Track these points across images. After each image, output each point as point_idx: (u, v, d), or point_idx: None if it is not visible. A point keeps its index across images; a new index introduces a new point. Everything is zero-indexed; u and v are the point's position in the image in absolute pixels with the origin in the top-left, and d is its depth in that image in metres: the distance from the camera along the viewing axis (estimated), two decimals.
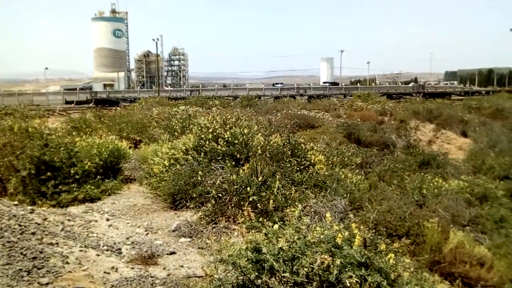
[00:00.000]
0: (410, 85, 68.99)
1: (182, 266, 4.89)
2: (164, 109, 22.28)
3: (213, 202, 6.77)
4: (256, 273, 3.49)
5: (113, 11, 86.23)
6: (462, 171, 14.51)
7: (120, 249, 5.27)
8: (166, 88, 72.73)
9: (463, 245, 5.47)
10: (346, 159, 11.86)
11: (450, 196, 9.07)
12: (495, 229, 8.58)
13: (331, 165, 10.24)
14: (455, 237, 5.47)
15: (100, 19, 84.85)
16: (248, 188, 6.71)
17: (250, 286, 3.53)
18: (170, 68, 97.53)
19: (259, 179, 7.16)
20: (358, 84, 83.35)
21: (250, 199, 6.55)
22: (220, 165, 8.07)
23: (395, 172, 12.40)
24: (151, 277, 4.39)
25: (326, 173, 8.88)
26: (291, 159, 8.94)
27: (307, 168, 8.95)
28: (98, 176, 9.04)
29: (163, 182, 8.10)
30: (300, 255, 3.46)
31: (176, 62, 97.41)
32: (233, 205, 6.71)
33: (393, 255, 3.46)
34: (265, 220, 5.35)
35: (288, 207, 6.21)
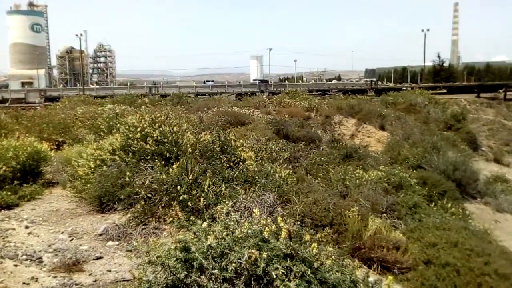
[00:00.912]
0: (333, 81, 72.12)
1: (109, 271, 4.69)
2: (90, 108, 21.17)
3: (142, 203, 6.58)
4: (185, 272, 3.45)
5: (31, 4, 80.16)
6: (380, 162, 15.48)
7: (41, 257, 4.93)
8: (92, 86, 69.15)
9: (381, 231, 5.84)
10: (274, 154, 12.12)
11: (370, 186, 9.64)
12: (409, 215, 9.29)
13: (260, 161, 10.41)
14: (374, 224, 5.83)
15: (16, 13, 78.47)
16: (179, 187, 6.61)
17: (179, 285, 3.48)
18: (96, 65, 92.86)
19: (190, 177, 7.08)
20: (286, 81, 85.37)
21: (181, 198, 6.46)
22: (149, 165, 7.85)
23: (321, 165, 12.91)
24: (76, 284, 4.17)
25: (256, 168, 9.00)
26: (221, 156, 8.95)
27: (237, 165, 9.00)
28: (16, 181, 8.38)
29: (88, 185, 7.71)
30: (228, 251, 3.49)
31: (102, 59, 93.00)
32: (163, 205, 6.57)
33: (316, 244, 3.61)
34: (196, 218, 5.32)
35: (219, 204, 6.21)
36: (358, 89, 57.13)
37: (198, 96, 45.24)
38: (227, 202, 5.17)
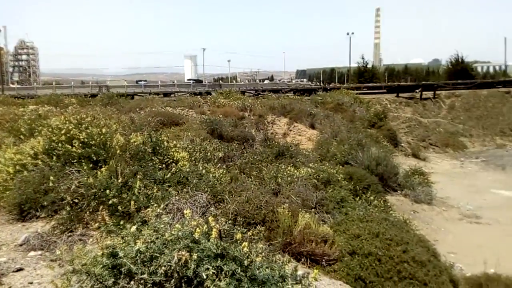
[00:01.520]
0: (266, 81, 73.35)
1: (31, 283, 4.37)
2: (9, 109, 19.54)
3: (68, 209, 6.21)
4: (113, 279, 3.32)
5: None
6: (311, 159, 16.02)
7: None
8: (12, 85, 63.92)
9: (310, 226, 6.04)
10: (209, 154, 12.06)
11: (300, 183, 9.94)
12: (337, 209, 9.71)
13: (194, 161, 10.30)
14: (303, 219, 6.01)
15: None
16: (108, 191, 6.33)
17: None
18: (17, 63, 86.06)
19: (119, 180, 6.81)
20: (221, 81, 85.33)
21: (110, 202, 6.20)
22: (75, 169, 7.43)
23: (254, 164, 13.08)
24: None
25: (189, 169, 8.89)
26: (153, 158, 8.73)
27: (170, 166, 8.83)
28: None
29: (7, 192, 7.12)
30: (158, 255, 3.41)
31: (24, 57, 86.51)
32: (91, 210, 6.26)
33: (247, 243, 3.65)
34: (126, 222, 5.12)
35: (151, 206, 6.05)
36: (309, 88, 58.59)
37: (131, 96, 43.67)
38: (156, 204, 5.04)
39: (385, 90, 46.64)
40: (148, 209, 5.34)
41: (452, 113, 40.53)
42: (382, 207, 11.89)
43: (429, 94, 42.92)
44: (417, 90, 43.80)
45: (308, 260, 5.61)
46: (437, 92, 43.59)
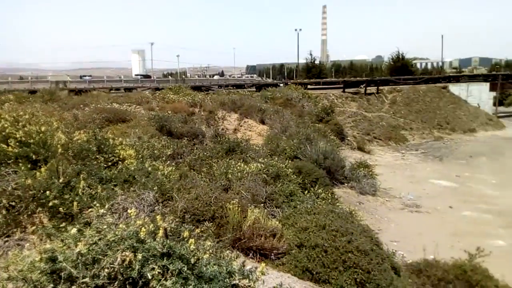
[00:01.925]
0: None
1: None
2: None
3: (4, 212, 5.83)
4: (52, 285, 3.17)
5: None
6: (261, 154, 16.15)
7: None
8: None
9: (259, 221, 6.10)
10: (157, 151, 11.80)
11: (250, 178, 10.00)
12: (286, 203, 9.87)
13: (142, 159, 10.03)
14: (252, 214, 6.06)
15: None
16: (48, 192, 6.01)
17: None
18: None
19: (61, 180, 6.49)
20: (170, 76, 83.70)
21: (51, 203, 5.89)
22: (12, 170, 6.98)
23: (204, 160, 12.98)
24: None
25: (136, 167, 8.65)
26: (98, 156, 8.40)
27: (116, 164, 8.55)
28: None
29: None
30: (101, 257, 3.29)
31: None
32: (29, 212, 5.91)
33: (193, 240, 3.61)
34: (69, 224, 4.90)
35: (93, 207, 5.82)
36: (271, 83, 58.28)
37: (76, 92, 41.61)
38: (98, 205, 4.86)
39: (341, 85, 47.49)
40: (90, 210, 5.14)
41: (394, 108, 42.53)
42: (330, 200, 12.25)
43: (373, 89, 44.72)
44: (362, 86, 45.43)
45: (258, 255, 5.67)
46: (380, 87, 45.51)
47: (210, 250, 3.81)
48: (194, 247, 3.57)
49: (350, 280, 5.32)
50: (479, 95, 50.29)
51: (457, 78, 56.47)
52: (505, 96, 63.64)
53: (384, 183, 21.39)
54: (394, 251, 11.27)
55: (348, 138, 32.43)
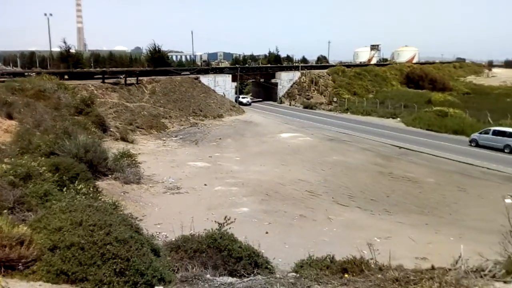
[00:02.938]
0: None
1: None
2: None
3: None
4: None
5: None
6: (8, 154, 13.83)
7: None
8: None
9: (2, 230, 5.30)
10: None
11: None
12: (41, 204, 8.87)
13: None
14: None
15: None
16: None
17: None
18: None
19: None
20: None
21: None
22: None
23: None
24: None
25: None
26: None
27: None
28: None
29: None
30: None
31: None
32: None
33: None
34: None
35: None
36: (19, 72, 47.37)
37: None
38: None
39: (101, 76, 44.40)
40: None
41: (153, 97, 43.32)
42: (92, 194, 11.67)
43: (133, 80, 44.21)
44: (122, 76, 44.24)
45: (2, 268, 4.93)
46: (140, 78, 45.45)
47: None
48: None
49: (109, 272, 5.26)
50: (224, 85, 56.93)
51: (207, 70, 62.14)
52: (243, 85, 74.56)
53: (148, 170, 21.79)
54: (158, 233, 11.73)
55: (111, 129, 31.29)
